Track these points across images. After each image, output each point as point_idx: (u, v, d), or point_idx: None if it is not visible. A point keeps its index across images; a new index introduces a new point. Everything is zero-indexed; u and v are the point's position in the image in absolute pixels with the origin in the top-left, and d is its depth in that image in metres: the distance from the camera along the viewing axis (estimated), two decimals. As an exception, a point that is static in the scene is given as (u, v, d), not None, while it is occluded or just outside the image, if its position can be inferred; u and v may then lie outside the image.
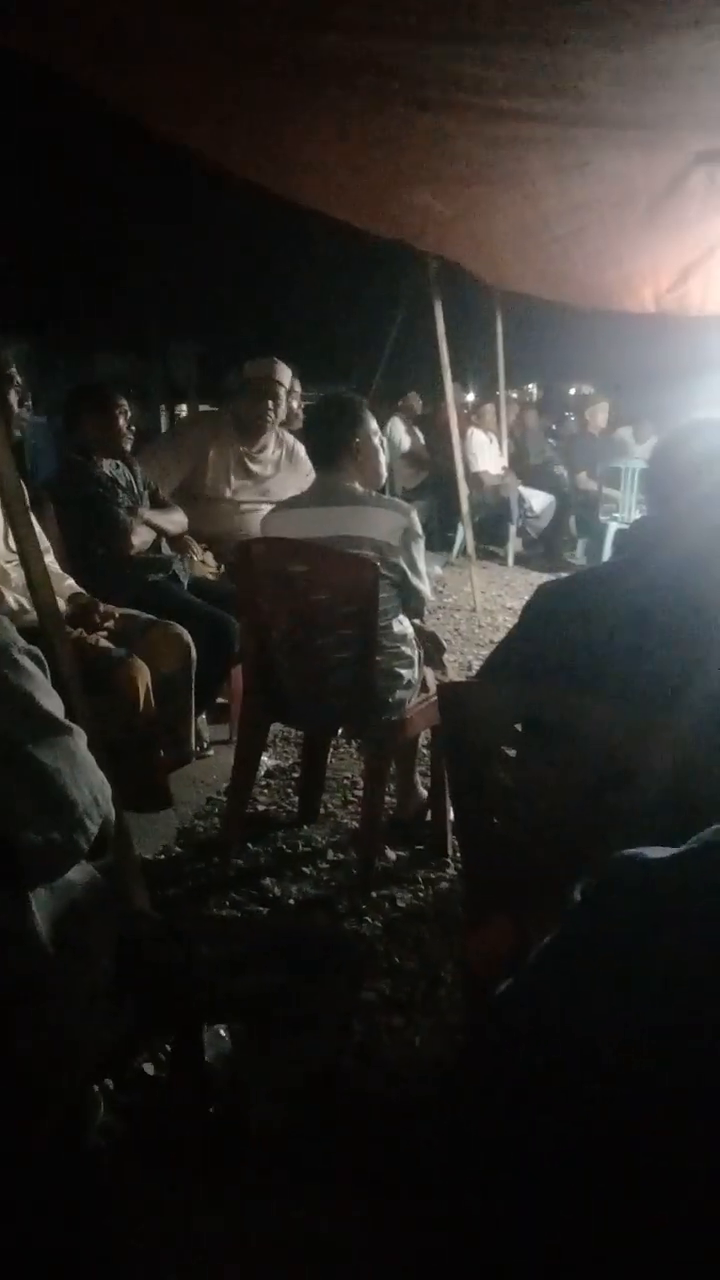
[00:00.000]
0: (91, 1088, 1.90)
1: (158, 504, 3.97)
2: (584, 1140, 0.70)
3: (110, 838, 1.42)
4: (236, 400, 4.50)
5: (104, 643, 3.02)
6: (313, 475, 3.09)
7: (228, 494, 4.35)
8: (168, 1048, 2.08)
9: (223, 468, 4.33)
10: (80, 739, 1.33)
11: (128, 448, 3.83)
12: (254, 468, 4.41)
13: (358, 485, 2.95)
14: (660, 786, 1.51)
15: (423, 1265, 0.98)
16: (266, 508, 3.98)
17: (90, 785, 1.31)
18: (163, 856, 3.13)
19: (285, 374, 4.39)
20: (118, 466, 3.80)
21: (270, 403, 4.31)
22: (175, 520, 4.00)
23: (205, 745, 3.82)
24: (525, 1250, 0.73)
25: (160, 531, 3.89)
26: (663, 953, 0.73)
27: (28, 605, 2.59)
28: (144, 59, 2.66)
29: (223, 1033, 1.97)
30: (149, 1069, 2.11)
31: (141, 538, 3.77)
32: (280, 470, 4.48)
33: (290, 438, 4.60)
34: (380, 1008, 2.39)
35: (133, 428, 3.83)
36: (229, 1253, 1.28)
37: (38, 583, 2.33)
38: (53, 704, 1.28)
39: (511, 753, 1.87)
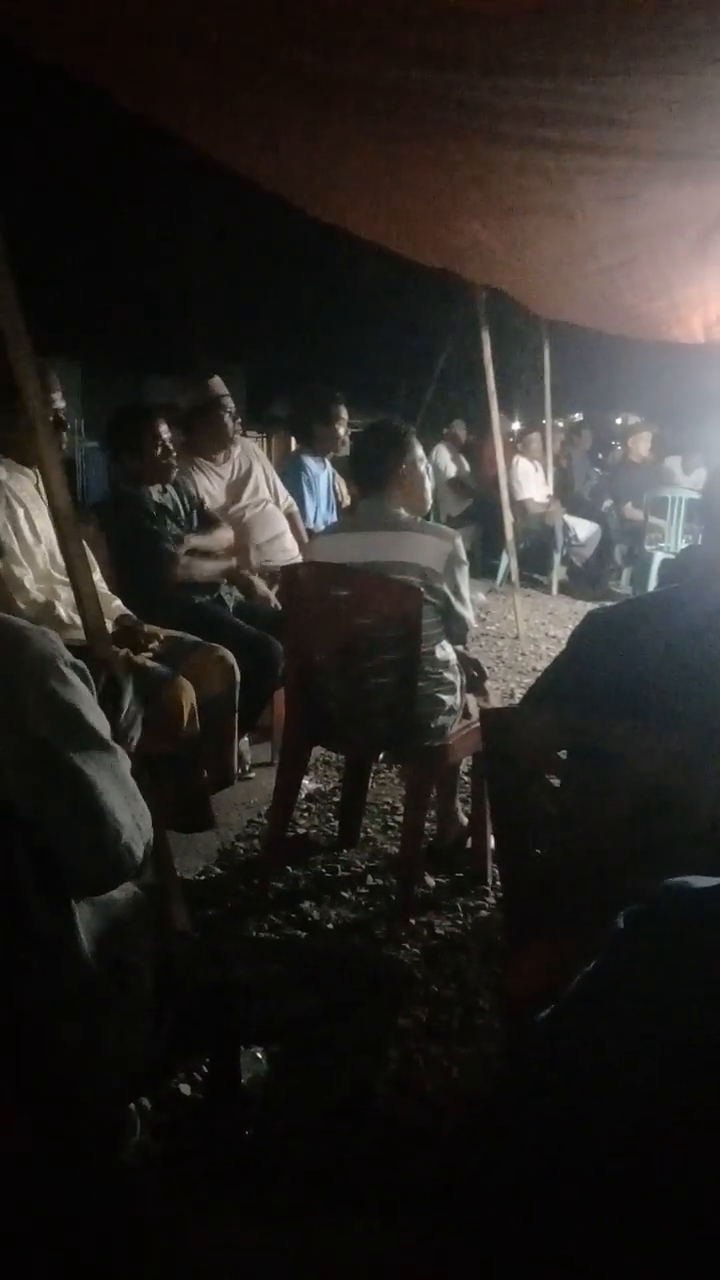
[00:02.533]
0: (128, 1106, 1.90)
1: (204, 521, 3.98)
2: (628, 1170, 0.70)
3: (149, 857, 1.43)
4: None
5: (149, 662, 3.05)
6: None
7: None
8: (204, 1068, 2.08)
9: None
10: (123, 761, 1.34)
11: (173, 471, 3.82)
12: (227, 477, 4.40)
13: (403, 511, 2.97)
14: (707, 817, 1.50)
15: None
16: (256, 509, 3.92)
17: (132, 807, 1.32)
18: (203, 877, 3.14)
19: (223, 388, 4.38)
20: (165, 491, 3.83)
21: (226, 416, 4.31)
22: (220, 538, 4.00)
23: (247, 767, 3.83)
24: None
25: (207, 553, 3.89)
26: (706, 981, 0.73)
27: (78, 621, 2.62)
28: (199, 87, 2.72)
29: (259, 1055, 1.97)
30: (185, 1089, 2.11)
31: (200, 571, 3.79)
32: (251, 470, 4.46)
33: (249, 443, 4.63)
34: (417, 1035, 2.37)
35: (172, 454, 3.77)
36: (260, 1274, 1.28)
37: (86, 600, 2.37)
38: (98, 720, 1.30)
39: (555, 780, 1.86)
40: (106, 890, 1.37)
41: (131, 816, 1.31)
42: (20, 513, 2.92)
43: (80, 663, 1.36)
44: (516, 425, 10.65)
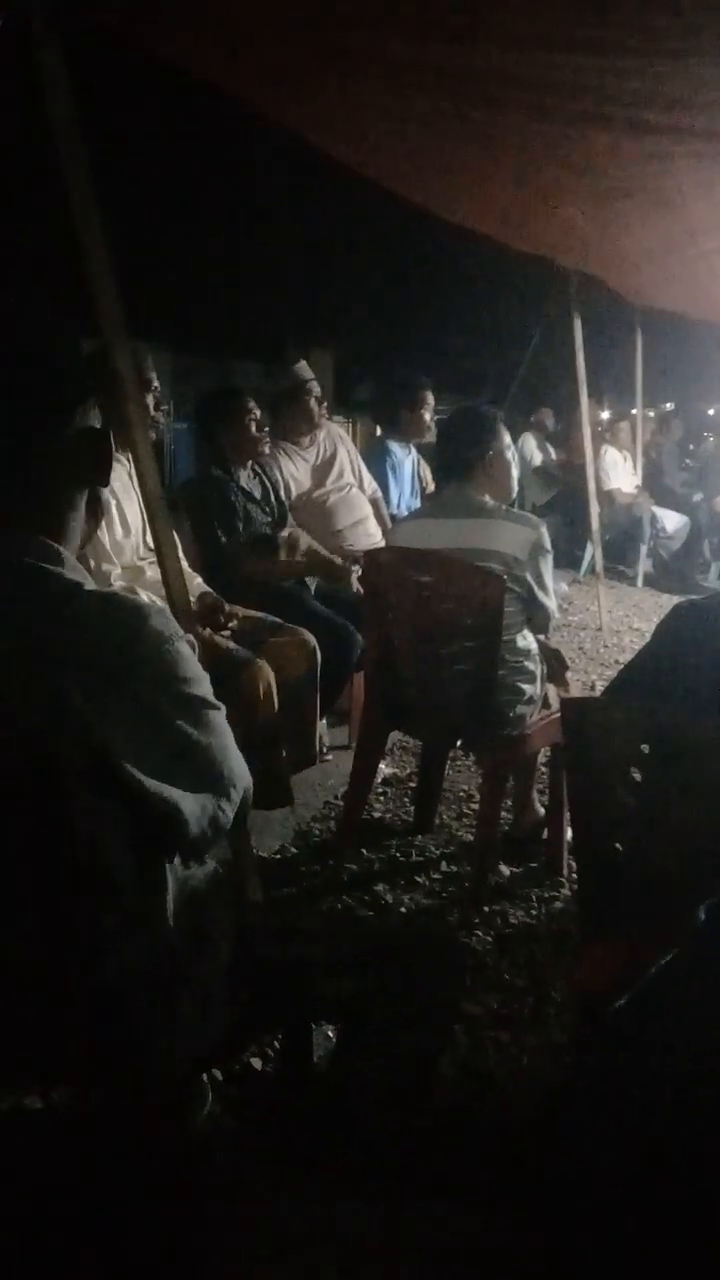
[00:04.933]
0: (201, 1077, 1.94)
1: (283, 517, 4.00)
2: (702, 1160, 0.69)
3: (232, 829, 1.45)
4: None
5: (229, 643, 3.08)
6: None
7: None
8: (276, 1043, 2.11)
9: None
10: (223, 714, 1.38)
11: (264, 447, 3.85)
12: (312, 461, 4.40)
13: (488, 498, 2.95)
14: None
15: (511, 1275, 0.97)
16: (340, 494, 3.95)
17: (236, 758, 1.36)
18: (278, 856, 3.18)
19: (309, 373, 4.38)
20: (254, 476, 3.86)
21: (312, 400, 4.31)
22: (295, 541, 4.01)
23: (325, 750, 3.86)
24: (634, 1271, 0.72)
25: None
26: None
27: (160, 603, 2.66)
28: (290, 73, 2.73)
29: (330, 1033, 1.99)
30: (257, 1064, 2.14)
31: (272, 573, 3.80)
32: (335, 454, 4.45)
33: (334, 428, 4.61)
34: (487, 1023, 2.37)
35: (265, 430, 3.83)
36: (324, 1250, 1.29)
37: (173, 580, 2.41)
38: (204, 689, 1.33)
39: (636, 774, 1.84)
40: (217, 843, 1.39)
41: (236, 765, 1.35)
42: (112, 504, 2.97)
43: (190, 637, 1.39)
44: (605, 414, 10.47)
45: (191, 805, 1.26)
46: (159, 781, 1.23)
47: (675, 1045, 0.76)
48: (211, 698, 1.34)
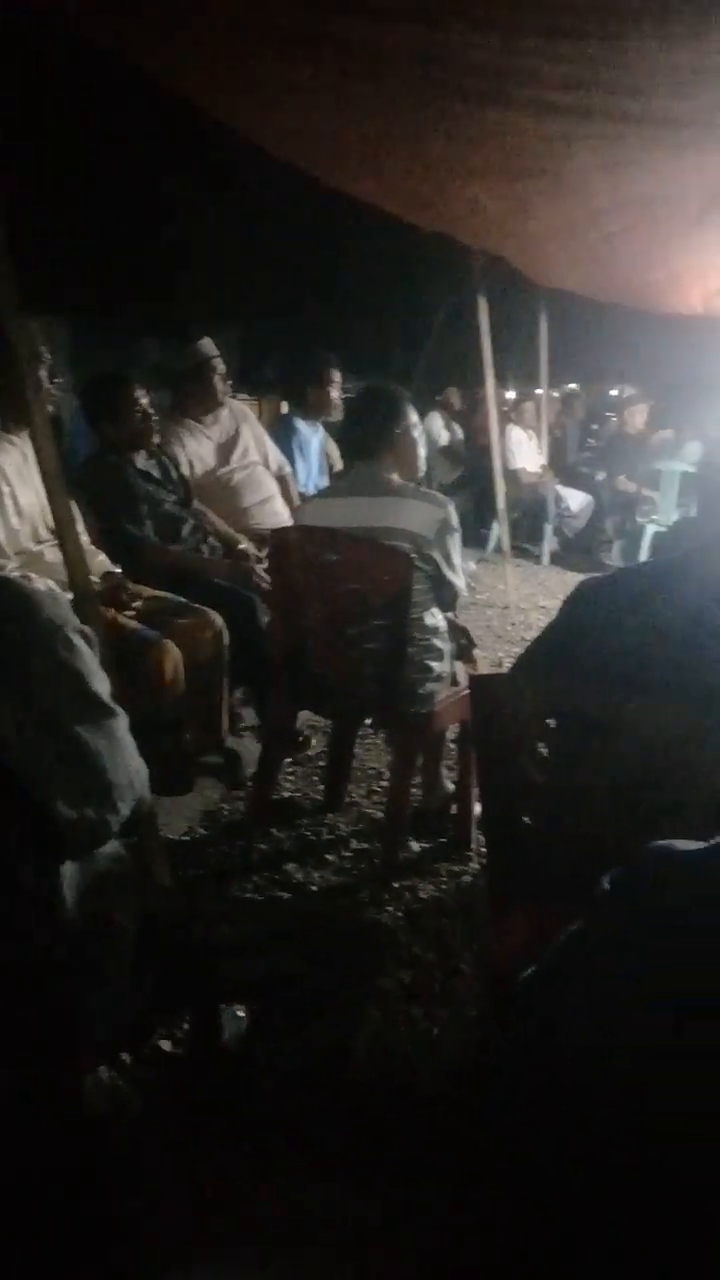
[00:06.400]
0: (111, 1061, 1.92)
1: (189, 494, 3.95)
2: (608, 1131, 0.70)
3: (139, 815, 1.44)
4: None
5: (135, 624, 3.04)
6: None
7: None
8: (185, 1025, 2.10)
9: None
10: (123, 721, 1.36)
11: (153, 436, 3.73)
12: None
13: (396, 477, 2.95)
14: (700, 788, 1.50)
15: (425, 1251, 0.98)
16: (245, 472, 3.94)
17: (128, 768, 1.34)
18: (187, 838, 3.15)
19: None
20: (150, 457, 3.78)
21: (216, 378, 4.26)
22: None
23: (240, 730, 3.83)
24: (541, 1241, 0.73)
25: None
26: (687, 943, 0.73)
27: (58, 591, 2.60)
28: (198, 45, 2.67)
29: (240, 1013, 1.98)
30: (166, 1046, 2.12)
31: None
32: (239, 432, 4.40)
33: (239, 405, 4.58)
34: (399, 997, 2.39)
35: (152, 418, 3.67)
36: (235, 1228, 1.29)
37: (74, 562, 2.35)
38: (101, 685, 1.31)
39: (543, 749, 1.87)
40: (96, 847, 1.37)
41: (128, 776, 1.33)
42: (5, 491, 2.89)
43: (86, 628, 1.36)
44: (511, 394, 10.57)
45: (69, 814, 1.24)
46: (43, 788, 1.20)
47: (581, 1013, 0.77)
48: (111, 701, 1.31)
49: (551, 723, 1.85)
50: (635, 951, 0.77)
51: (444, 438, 9.38)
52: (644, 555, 7.53)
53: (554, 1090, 0.76)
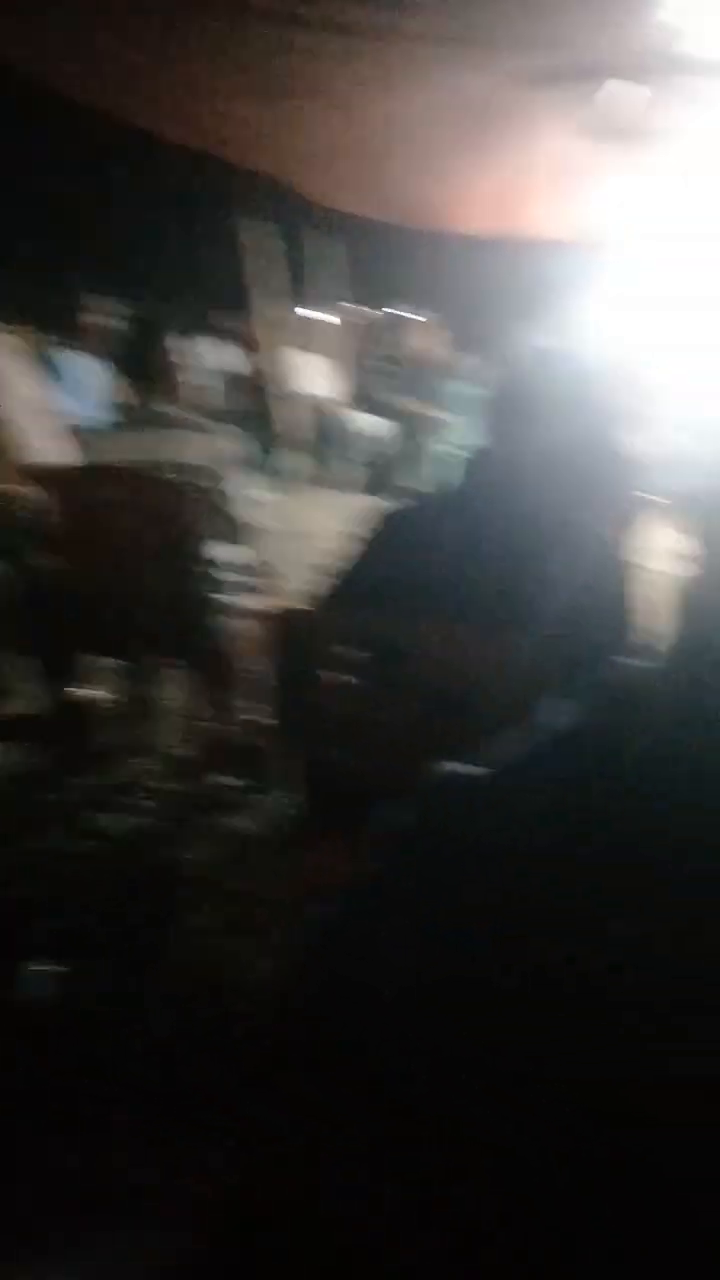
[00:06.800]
0: None
1: None
2: (430, 1061, 0.71)
3: None
4: None
5: None
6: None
7: None
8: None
9: None
10: None
11: None
12: None
13: (174, 409, 2.86)
14: (498, 711, 1.53)
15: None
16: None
17: None
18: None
19: None
20: None
21: None
22: None
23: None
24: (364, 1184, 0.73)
25: None
26: (469, 874, 0.74)
27: None
28: None
29: (46, 969, 1.93)
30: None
31: None
32: None
33: None
34: (216, 933, 2.38)
35: None
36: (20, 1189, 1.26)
37: None
38: None
39: (345, 678, 1.87)
40: None
41: None
42: None
43: None
44: (304, 317, 10.40)
45: None
46: None
47: (395, 944, 0.77)
48: None
49: (361, 654, 1.85)
50: (414, 879, 0.77)
51: (224, 364, 9.17)
52: (441, 481, 7.64)
53: (371, 1025, 0.76)
